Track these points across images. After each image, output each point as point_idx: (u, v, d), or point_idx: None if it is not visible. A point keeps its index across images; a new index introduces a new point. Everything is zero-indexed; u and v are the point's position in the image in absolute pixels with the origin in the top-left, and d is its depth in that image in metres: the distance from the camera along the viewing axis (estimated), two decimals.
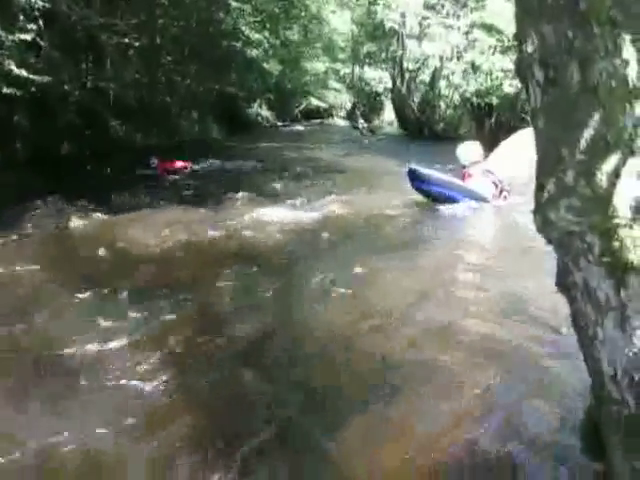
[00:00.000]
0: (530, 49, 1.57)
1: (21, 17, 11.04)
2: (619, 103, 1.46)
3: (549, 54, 1.52)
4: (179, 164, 12.55)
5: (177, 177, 11.72)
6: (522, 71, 1.61)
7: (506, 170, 9.46)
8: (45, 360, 3.72)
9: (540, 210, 1.56)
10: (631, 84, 1.46)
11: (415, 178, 8.76)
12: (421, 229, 7.55)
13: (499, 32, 19.49)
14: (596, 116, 1.46)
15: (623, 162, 1.44)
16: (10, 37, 9.94)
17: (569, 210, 1.50)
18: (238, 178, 11.97)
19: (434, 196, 8.67)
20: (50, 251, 6.30)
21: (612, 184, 1.45)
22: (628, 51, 1.46)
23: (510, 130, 14.59)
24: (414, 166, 8.76)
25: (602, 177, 1.45)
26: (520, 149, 9.73)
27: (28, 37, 10.69)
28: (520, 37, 1.60)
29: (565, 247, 1.62)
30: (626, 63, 1.46)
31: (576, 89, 1.48)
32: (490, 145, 12.80)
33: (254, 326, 4.23)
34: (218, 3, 20.01)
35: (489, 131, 20.57)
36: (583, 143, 1.46)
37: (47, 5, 11.34)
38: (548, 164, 1.55)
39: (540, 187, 1.55)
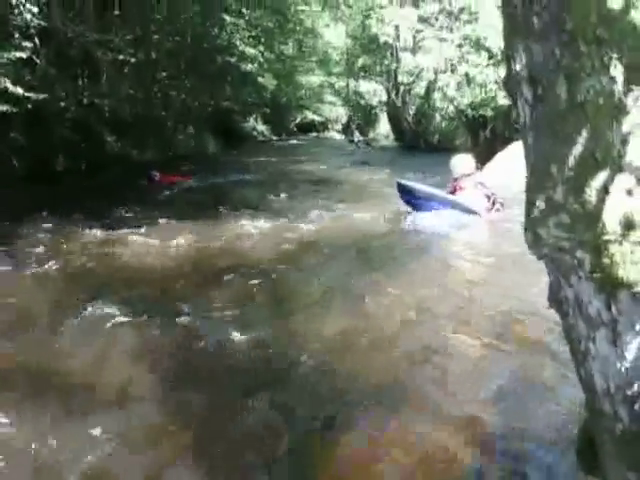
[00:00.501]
0: (518, 66, 1.58)
1: (17, 35, 11.10)
2: (606, 120, 1.47)
3: (537, 71, 1.53)
4: (180, 177, 12.73)
5: (175, 190, 11.76)
6: (511, 88, 1.62)
7: (500, 182, 9.50)
8: (43, 376, 3.71)
9: (530, 226, 1.57)
10: (618, 101, 1.48)
11: (404, 192, 8.82)
12: (413, 242, 7.56)
13: (488, 50, 19.65)
14: (584, 133, 1.47)
15: (612, 178, 1.45)
16: (6, 55, 9.97)
17: (559, 226, 1.51)
18: (233, 192, 12.01)
19: (423, 209, 8.72)
20: (47, 267, 6.29)
21: (601, 200, 1.46)
22: (615, 68, 1.48)
23: (505, 141, 14.66)
24: (402, 181, 8.86)
25: (591, 193, 1.46)
26: (515, 161, 9.76)
27: (24, 55, 10.74)
28: (508, 54, 1.62)
29: (556, 263, 1.63)
30: (613, 80, 1.47)
31: (564, 106, 1.49)
32: (485, 156, 12.87)
33: (250, 341, 4.22)
34: (213, 18, 20.15)
35: (484, 142, 20.65)
36: (572, 160, 1.47)
37: (43, 23, 11.39)
38: (537, 180, 1.56)
39: (530, 203, 1.56)
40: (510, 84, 1.61)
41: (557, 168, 1.50)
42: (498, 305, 4.78)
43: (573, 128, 1.47)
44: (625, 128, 1.48)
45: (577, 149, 1.46)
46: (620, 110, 1.48)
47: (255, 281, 5.67)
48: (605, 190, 1.45)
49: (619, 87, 1.49)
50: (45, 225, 7.98)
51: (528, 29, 1.54)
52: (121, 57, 14.81)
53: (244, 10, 22.02)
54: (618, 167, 1.46)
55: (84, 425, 3.12)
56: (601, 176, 1.44)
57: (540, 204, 1.51)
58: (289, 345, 4.21)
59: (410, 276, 5.88)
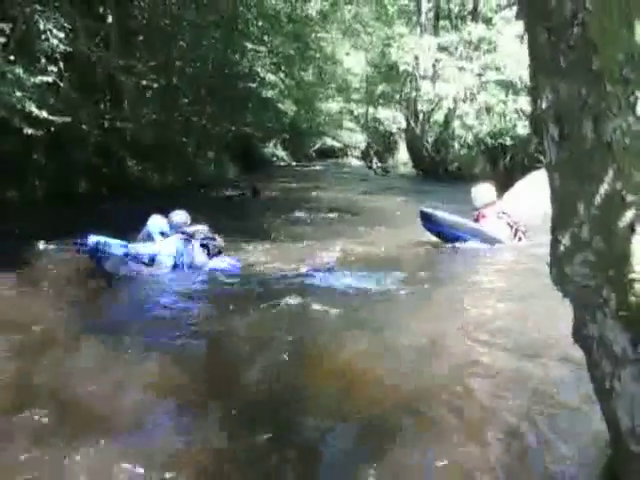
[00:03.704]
0: (545, 105, 1.60)
1: (42, 60, 11.29)
2: (633, 159, 1.48)
3: (563, 111, 1.54)
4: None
5: None
6: (537, 126, 1.64)
7: (521, 211, 9.46)
8: (61, 400, 3.71)
9: (556, 264, 1.58)
10: None
11: (427, 221, 8.80)
12: (435, 270, 7.54)
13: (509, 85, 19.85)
14: (610, 172, 1.48)
15: (638, 217, 1.46)
16: (32, 79, 10.14)
17: (584, 264, 1.51)
18: (253, 217, 12.05)
19: (447, 238, 8.69)
20: (65, 290, 6.33)
21: (628, 239, 1.46)
22: None
23: (524, 170, 14.61)
24: (426, 209, 8.82)
25: (617, 232, 1.47)
26: (535, 190, 9.72)
27: (49, 79, 10.90)
28: (535, 93, 1.63)
29: (581, 300, 1.63)
30: (639, 120, 1.48)
31: (590, 145, 1.50)
32: (504, 185, 12.82)
33: (267, 370, 4.21)
34: (234, 45, 20.37)
35: (503, 171, 20.64)
36: (598, 198, 1.48)
37: (68, 48, 11.58)
38: (563, 218, 1.56)
39: (556, 241, 1.57)
40: (537, 122, 1.62)
41: (583, 206, 1.50)
42: (519, 339, 4.74)
43: (599, 167, 1.48)
44: None
45: (603, 188, 1.46)
46: None
47: (273, 310, 5.67)
48: (631, 229, 1.46)
49: None
50: (63, 247, 8.02)
51: (554, 68, 1.56)
52: (144, 82, 15.01)
53: (265, 37, 22.27)
54: None
55: (102, 450, 3.12)
56: (628, 215, 1.45)
57: (566, 241, 1.52)
58: (305, 375, 4.20)
59: (432, 308, 5.85)
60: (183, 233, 7.00)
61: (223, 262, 7.23)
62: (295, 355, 4.56)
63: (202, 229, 7.20)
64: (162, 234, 7.05)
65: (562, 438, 3.14)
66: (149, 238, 7.09)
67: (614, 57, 1.49)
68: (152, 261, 6.82)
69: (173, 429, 3.41)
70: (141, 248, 6.88)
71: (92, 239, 6.56)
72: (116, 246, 6.66)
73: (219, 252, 7.31)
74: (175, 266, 6.90)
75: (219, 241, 7.33)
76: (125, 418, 3.50)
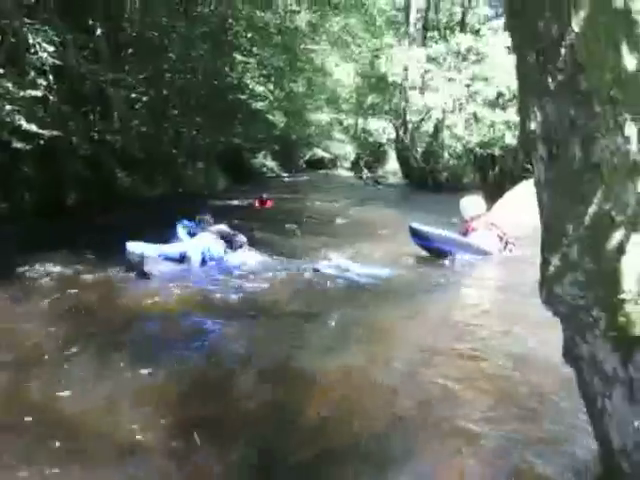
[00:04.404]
0: (533, 125, 1.61)
1: (32, 73, 11.27)
2: (622, 179, 1.49)
3: (552, 131, 1.55)
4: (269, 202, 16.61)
5: None
6: (526, 146, 1.65)
7: (510, 221, 9.50)
8: (50, 420, 3.68)
9: (546, 284, 1.58)
10: (632, 161, 1.50)
11: (417, 236, 8.86)
12: (424, 283, 7.54)
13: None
14: (599, 192, 1.49)
15: (627, 238, 1.47)
16: (21, 93, 10.13)
17: (574, 285, 1.52)
18: (244, 229, 12.04)
19: (437, 252, 8.73)
20: (55, 305, 6.29)
21: (616, 259, 1.47)
22: (629, 129, 1.50)
23: (513, 180, 14.69)
24: (415, 225, 8.86)
25: (606, 253, 1.48)
26: (524, 200, 9.76)
27: (39, 93, 10.90)
28: (523, 113, 1.64)
29: (571, 320, 1.63)
30: (627, 140, 1.49)
31: (579, 166, 1.51)
32: (494, 195, 12.88)
33: (261, 387, 4.20)
34: (224, 57, 20.42)
35: (492, 181, 20.74)
36: (587, 219, 1.49)
37: (57, 62, 11.57)
38: (553, 238, 1.57)
39: (545, 261, 1.58)
40: (525, 143, 1.63)
41: (573, 227, 1.51)
42: (508, 354, 4.74)
43: (588, 188, 1.49)
44: None
45: (592, 209, 1.47)
46: (635, 170, 1.50)
47: (265, 324, 5.66)
48: (621, 249, 1.47)
49: (633, 147, 1.51)
50: (54, 261, 7.97)
51: (543, 89, 1.57)
52: (133, 95, 15.01)
53: (254, 49, 22.33)
54: (633, 226, 1.48)
55: (92, 471, 3.11)
56: (617, 235, 1.46)
57: (555, 262, 1.53)
58: (298, 391, 4.19)
59: (421, 320, 5.86)
60: (209, 232, 8.16)
61: (245, 254, 8.29)
62: (288, 372, 4.54)
63: (224, 228, 8.41)
64: (189, 234, 8.20)
65: (551, 454, 3.14)
66: (178, 239, 8.13)
67: (602, 78, 1.50)
68: (183, 258, 7.74)
69: (164, 449, 3.38)
70: (172, 248, 7.85)
71: (129, 245, 7.40)
72: (150, 248, 7.49)
73: (240, 246, 8.37)
74: (204, 261, 7.86)
75: (240, 237, 8.47)
76: (113, 438, 3.48)
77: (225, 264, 7.97)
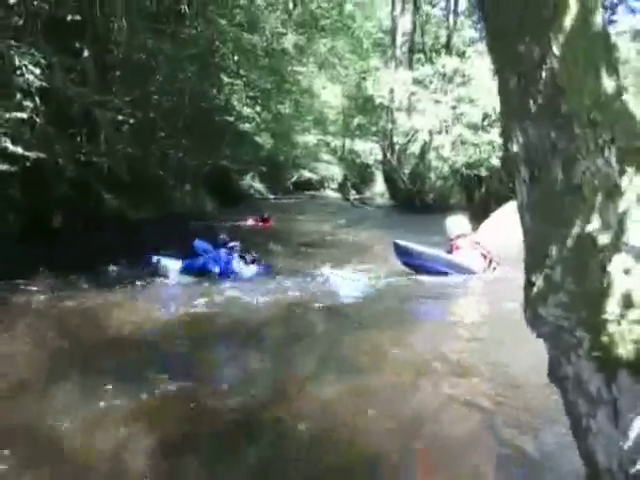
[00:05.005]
0: (515, 147, 1.62)
1: (18, 95, 11.25)
2: (603, 201, 1.50)
3: (534, 153, 1.57)
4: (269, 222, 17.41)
5: None
6: (508, 168, 1.66)
7: (496, 241, 9.56)
8: (34, 442, 3.65)
9: (529, 305, 1.59)
10: (613, 182, 1.51)
11: (401, 253, 8.91)
12: (410, 303, 7.57)
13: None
14: (581, 214, 1.50)
15: (609, 259, 1.48)
16: (7, 115, 10.11)
17: (558, 306, 1.53)
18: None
19: (421, 270, 8.77)
20: (40, 327, 6.25)
21: (599, 280, 1.48)
22: (609, 151, 1.52)
23: (500, 200, 14.78)
24: (400, 242, 8.93)
25: (589, 274, 1.48)
26: (510, 221, 9.82)
27: (25, 115, 10.87)
28: (506, 136, 1.66)
29: (555, 341, 1.64)
30: (608, 162, 1.51)
31: (561, 187, 1.53)
32: (480, 215, 12.96)
33: (244, 407, 4.18)
34: (211, 79, 20.47)
35: (479, 201, 20.84)
36: (570, 240, 1.50)
37: (44, 84, 11.56)
38: (536, 260, 1.58)
39: (529, 282, 1.58)
40: (508, 165, 1.64)
41: (555, 248, 1.52)
42: (492, 372, 4.75)
43: (570, 209, 1.50)
44: (621, 209, 1.51)
45: (575, 230, 1.48)
46: (615, 191, 1.52)
47: (248, 345, 5.65)
48: (603, 270, 1.48)
49: (614, 168, 1.53)
50: (39, 284, 7.94)
51: (524, 111, 1.58)
52: (120, 117, 14.99)
53: (242, 71, 22.40)
54: (615, 247, 1.49)
55: None
56: (599, 256, 1.47)
57: (539, 283, 1.53)
58: (283, 410, 4.17)
59: (406, 338, 5.87)
60: (225, 248, 9.28)
61: (258, 267, 9.48)
62: (271, 391, 4.54)
63: (238, 244, 9.51)
64: (205, 251, 9.22)
65: (537, 473, 3.14)
66: (196, 255, 9.17)
67: (582, 101, 1.52)
68: (203, 270, 8.95)
69: (151, 474, 3.34)
70: (191, 262, 9.04)
71: (154, 258, 8.90)
72: (173, 262, 8.97)
73: (253, 261, 9.55)
74: (221, 273, 8.98)
75: (253, 253, 9.76)
76: (100, 459, 3.44)
77: (241, 276, 9.03)
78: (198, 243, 9.34)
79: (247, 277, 9.07)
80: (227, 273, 9.00)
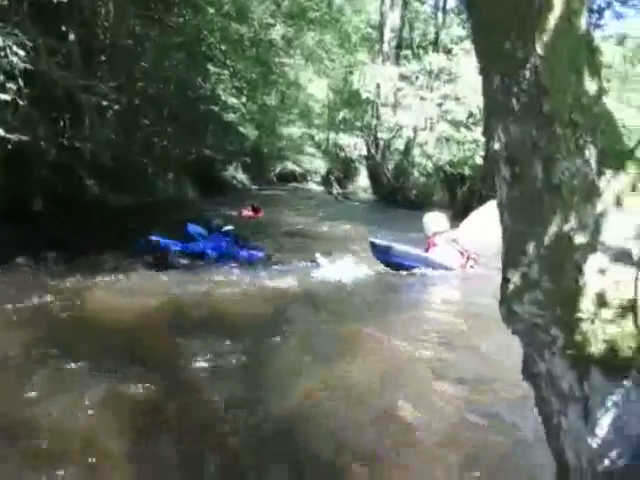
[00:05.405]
0: (497, 146, 1.63)
1: (1, 77, 11.12)
2: (581, 201, 1.52)
3: (515, 152, 1.58)
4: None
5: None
6: (490, 165, 1.67)
7: (475, 239, 9.62)
8: (9, 426, 3.63)
9: (505, 302, 1.61)
10: (591, 183, 1.54)
11: (377, 250, 8.97)
12: (387, 298, 7.61)
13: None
14: (559, 213, 1.52)
15: (585, 258, 1.50)
16: None
17: (534, 303, 1.55)
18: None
19: (397, 267, 8.83)
20: (18, 312, 6.20)
21: (575, 279, 1.50)
22: (589, 151, 1.54)
23: (481, 199, 14.88)
24: (376, 240, 9.00)
25: (565, 272, 1.51)
26: (490, 219, 9.87)
27: (8, 97, 10.75)
28: (488, 134, 1.67)
29: (530, 338, 1.66)
30: (587, 163, 1.53)
31: (540, 186, 1.54)
32: (462, 213, 13.02)
33: (224, 396, 4.19)
34: (197, 68, 20.36)
35: (461, 199, 20.95)
36: (547, 239, 1.52)
37: (29, 66, 11.43)
38: (513, 257, 1.60)
39: (505, 279, 1.60)
40: (489, 162, 1.66)
41: (533, 246, 1.54)
42: (467, 366, 4.79)
43: (549, 208, 1.52)
44: (598, 209, 1.53)
45: (552, 229, 1.50)
46: (593, 192, 1.54)
47: (232, 333, 5.65)
48: (579, 269, 1.50)
49: (593, 169, 1.55)
50: (17, 267, 7.87)
51: (506, 110, 1.60)
52: (105, 102, 14.86)
53: (228, 61, 22.28)
54: (592, 247, 1.51)
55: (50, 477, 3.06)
56: (575, 256, 1.49)
57: (515, 280, 1.55)
58: (264, 400, 4.19)
59: (383, 333, 5.89)
60: (221, 232, 9.79)
61: (252, 251, 10.02)
62: (254, 380, 4.55)
63: (232, 228, 10.07)
64: (200, 235, 9.63)
65: (509, 471, 3.17)
66: (192, 239, 9.55)
67: (564, 101, 1.54)
68: (202, 254, 9.37)
69: (125, 458, 3.35)
70: (191, 245, 9.40)
71: (153, 239, 8.97)
72: (172, 244, 9.16)
73: (250, 246, 10.15)
74: (220, 256, 9.48)
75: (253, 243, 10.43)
76: (74, 445, 3.44)
77: (238, 257, 9.58)
78: (192, 227, 9.70)
79: (243, 258, 9.59)
80: (225, 257, 9.46)
